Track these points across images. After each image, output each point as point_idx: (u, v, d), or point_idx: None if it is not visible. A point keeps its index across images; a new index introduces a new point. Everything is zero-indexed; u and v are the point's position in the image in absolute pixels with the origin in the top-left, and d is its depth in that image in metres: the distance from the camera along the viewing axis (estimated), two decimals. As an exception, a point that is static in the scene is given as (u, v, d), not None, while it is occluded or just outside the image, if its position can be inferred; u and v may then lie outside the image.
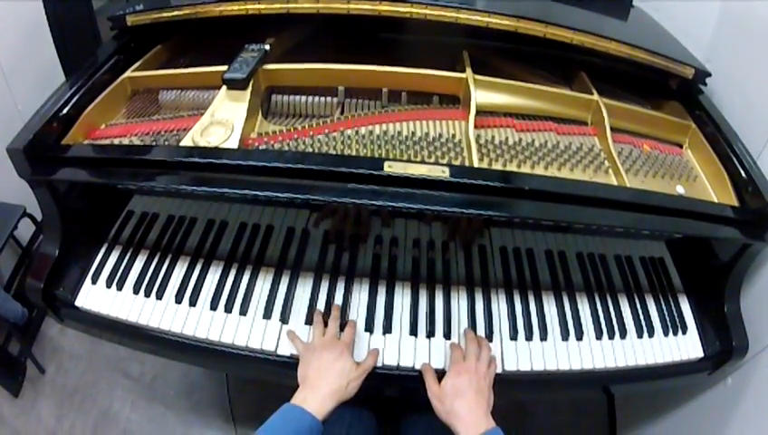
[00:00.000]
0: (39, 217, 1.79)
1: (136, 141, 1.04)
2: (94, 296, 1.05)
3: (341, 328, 0.97)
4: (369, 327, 0.99)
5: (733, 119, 1.19)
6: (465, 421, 0.82)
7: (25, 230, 1.86)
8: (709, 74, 1.25)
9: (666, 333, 1.08)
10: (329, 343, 0.92)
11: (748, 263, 1.07)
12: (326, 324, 0.97)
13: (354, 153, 0.98)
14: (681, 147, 1.23)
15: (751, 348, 1.07)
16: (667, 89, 1.32)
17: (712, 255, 1.11)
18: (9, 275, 1.88)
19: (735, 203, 1.06)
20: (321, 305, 1.02)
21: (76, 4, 1.82)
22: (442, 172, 0.84)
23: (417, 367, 0.96)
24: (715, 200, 1.10)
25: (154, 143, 1.03)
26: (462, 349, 0.95)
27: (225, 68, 1.04)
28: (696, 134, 1.21)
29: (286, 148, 0.98)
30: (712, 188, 1.14)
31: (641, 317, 1.09)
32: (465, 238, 1.12)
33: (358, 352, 0.96)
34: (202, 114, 1.01)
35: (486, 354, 0.93)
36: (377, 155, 0.97)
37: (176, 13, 1.17)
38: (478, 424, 0.82)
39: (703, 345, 1.09)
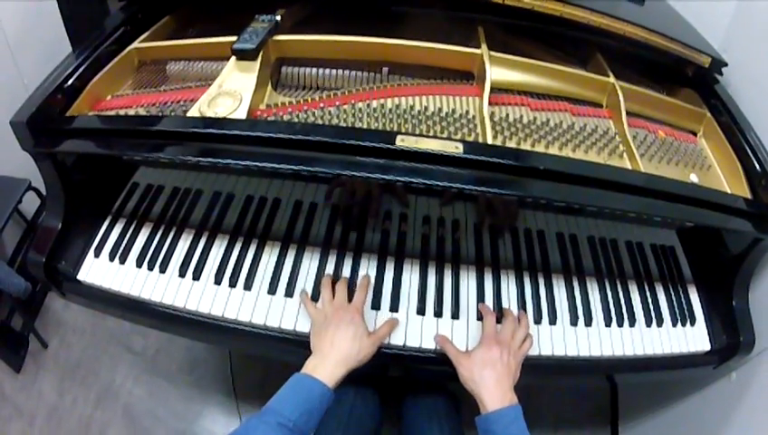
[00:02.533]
0: (44, 190, 1.79)
1: (142, 112, 1.03)
2: (97, 270, 1.04)
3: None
4: (376, 304, 0.98)
5: (748, 111, 1.18)
6: (491, 392, 0.83)
7: (30, 204, 1.85)
8: (725, 64, 1.23)
9: (674, 324, 1.07)
10: (339, 307, 0.91)
11: (758, 257, 1.05)
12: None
13: (365, 126, 0.96)
14: (695, 135, 1.22)
15: (757, 344, 1.06)
16: (683, 76, 1.30)
17: (722, 247, 1.10)
18: (13, 250, 1.88)
19: (749, 195, 1.05)
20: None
21: (84, -25, 1.80)
22: (455, 148, 0.82)
23: (424, 347, 0.95)
24: (729, 191, 1.09)
25: (160, 114, 1.01)
26: (495, 320, 0.95)
27: (234, 39, 1.02)
28: (710, 123, 1.19)
29: (296, 120, 0.96)
30: (725, 178, 1.13)
31: (651, 306, 1.08)
32: (488, 219, 1.11)
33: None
34: (210, 85, 0.99)
35: (522, 333, 0.93)
36: (388, 129, 0.96)
37: (185, -18, 1.15)
38: (503, 397, 0.83)
39: (710, 338, 1.08)
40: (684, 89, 1.29)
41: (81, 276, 1.03)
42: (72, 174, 1.02)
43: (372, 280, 1.01)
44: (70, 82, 1.02)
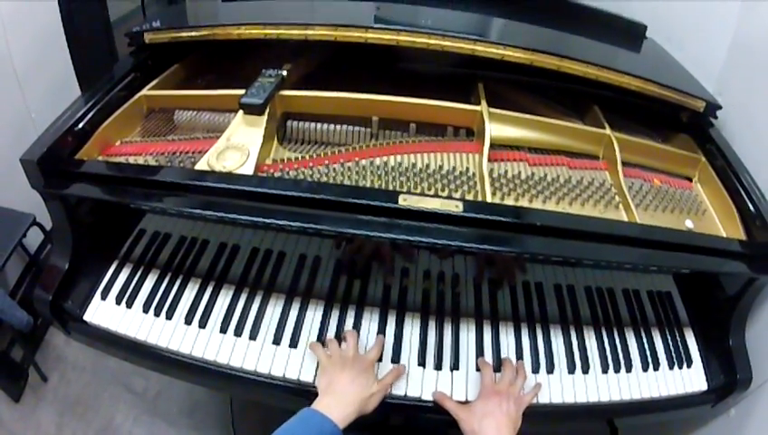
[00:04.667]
0: (48, 225, 1.81)
1: (151, 161, 1.05)
2: (103, 312, 1.05)
3: None
4: (378, 356, 0.99)
5: (742, 151, 1.20)
6: None
7: (33, 238, 1.87)
8: (720, 107, 1.25)
9: (671, 367, 1.09)
10: (355, 357, 0.92)
11: (754, 296, 1.07)
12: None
13: (369, 184, 0.99)
14: (691, 180, 1.24)
15: (754, 379, 1.07)
16: (678, 121, 1.32)
17: (719, 288, 1.12)
18: (15, 282, 1.89)
19: (743, 236, 1.07)
20: (331, 333, 1.02)
21: (92, 14, 1.84)
22: (455, 207, 0.85)
23: (425, 398, 0.96)
24: (723, 234, 1.11)
25: (169, 164, 1.03)
26: (492, 372, 0.96)
27: (241, 92, 1.05)
28: (705, 168, 1.21)
29: (301, 176, 0.99)
30: (720, 221, 1.15)
31: (647, 351, 1.09)
32: (487, 273, 1.13)
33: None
34: (217, 137, 1.02)
35: (521, 381, 0.95)
36: (391, 187, 0.98)
37: (194, 33, 1.18)
38: None
39: (707, 378, 1.09)
40: (679, 134, 1.32)
41: (87, 317, 1.05)
42: (79, 214, 1.04)
43: (374, 332, 1.02)
44: (81, 125, 1.04)
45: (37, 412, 1.76)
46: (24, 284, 1.90)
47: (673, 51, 1.48)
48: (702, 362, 1.11)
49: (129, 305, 1.05)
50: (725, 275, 1.10)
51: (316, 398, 0.88)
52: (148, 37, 1.22)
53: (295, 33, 1.10)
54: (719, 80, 1.32)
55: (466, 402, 0.95)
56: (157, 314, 1.04)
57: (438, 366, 0.99)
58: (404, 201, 0.84)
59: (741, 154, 1.20)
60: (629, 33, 1.47)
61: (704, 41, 1.41)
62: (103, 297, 1.07)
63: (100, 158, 1.07)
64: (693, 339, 1.14)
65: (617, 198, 1.06)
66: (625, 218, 1.03)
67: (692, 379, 1.08)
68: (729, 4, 1.29)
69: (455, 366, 1.00)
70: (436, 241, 0.84)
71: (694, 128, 1.30)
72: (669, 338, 1.13)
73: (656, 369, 1.07)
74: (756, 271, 0.98)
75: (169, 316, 1.04)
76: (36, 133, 1.00)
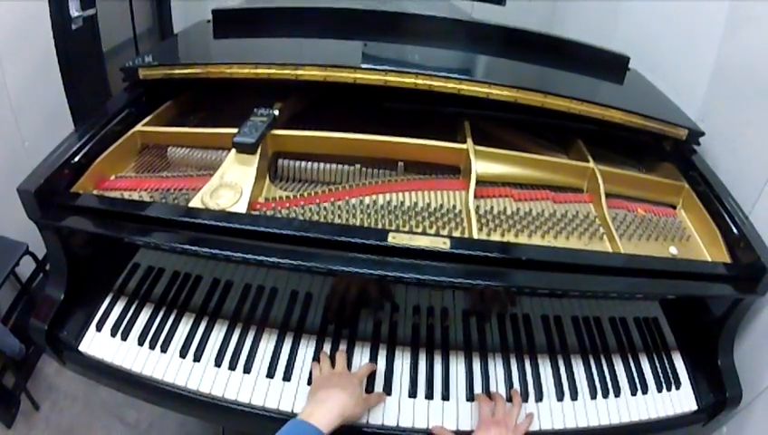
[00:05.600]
0: (40, 254, 1.81)
1: (145, 197, 1.07)
2: (98, 343, 1.06)
3: None
4: (370, 388, 1.01)
5: (725, 175, 1.23)
6: None
7: (26, 266, 1.87)
8: (702, 133, 1.29)
9: (659, 390, 1.10)
10: (342, 373, 0.96)
11: (741, 315, 1.09)
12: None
13: (359, 222, 1.01)
14: (674, 208, 1.27)
15: (745, 396, 1.08)
16: (661, 150, 1.36)
17: (705, 310, 1.13)
18: (7, 310, 1.88)
19: (728, 259, 1.09)
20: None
21: (86, 45, 1.86)
22: (443, 244, 0.88)
23: (417, 427, 0.98)
24: (708, 258, 1.13)
25: (163, 200, 1.05)
26: (490, 404, 0.98)
27: (234, 130, 1.08)
28: (689, 195, 1.24)
29: (293, 214, 1.02)
30: (705, 246, 1.17)
31: (635, 375, 1.11)
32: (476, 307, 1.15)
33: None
34: (210, 174, 1.04)
35: (516, 411, 0.97)
36: (380, 225, 1.01)
37: (187, 71, 1.21)
38: None
39: (696, 398, 1.10)
40: (662, 163, 1.35)
41: (82, 348, 1.05)
42: (74, 245, 1.05)
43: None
44: (77, 158, 1.06)
45: (30, 439, 1.75)
46: (16, 311, 1.90)
47: (656, 80, 1.52)
48: (691, 382, 1.12)
49: (124, 338, 1.06)
50: (712, 298, 1.11)
51: None
52: (142, 73, 1.25)
53: (286, 72, 1.13)
54: (702, 106, 1.36)
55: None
56: (152, 346, 1.05)
57: (429, 396, 1.01)
58: (393, 239, 0.87)
59: (724, 177, 1.23)
60: (613, 65, 1.50)
61: (686, 69, 1.45)
62: (98, 329, 1.08)
63: (95, 192, 1.09)
64: (681, 361, 1.16)
65: (601, 229, 1.09)
66: (609, 249, 1.05)
67: (681, 400, 1.09)
68: (711, 33, 1.33)
69: (445, 397, 1.01)
70: (424, 277, 0.86)
71: (677, 155, 1.33)
72: (657, 362, 1.14)
73: (644, 393, 1.09)
74: (742, 291, 1.01)
75: (164, 349, 1.05)
76: (29, 162, 1.02)
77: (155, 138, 1.20)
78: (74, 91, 1.89)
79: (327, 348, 1.06)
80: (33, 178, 0.97)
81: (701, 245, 1.18)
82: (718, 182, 1.21)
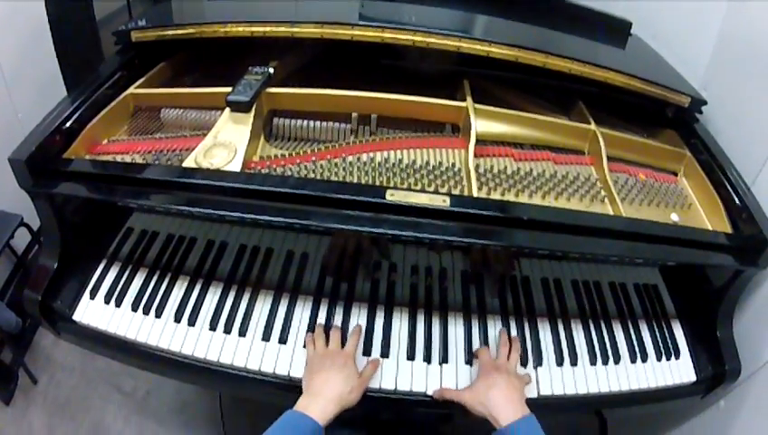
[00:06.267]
0: (35, 226, 1.80)
1: (138, 159, 1.05)
2: (92, 311, 1.05)
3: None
4: (367, 351, 1.00)
5: (727, 145, 1.21)
6: (503, 408, 0.86)
7: (21, 239, 1.86)
8: (705, 102, 1.27)
9: (659, 358, 1.10)
10: (333, 352, 0.94)
11: (741, 288, 1.08)
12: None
13: (356, 180, 0.99)
14: (676, 175, 1.25)
15: (743, 370, 1.08)
16: (663, 117, 1.34)
17: (705, 280, 1.13)
18: (3, 284, 1.87)
19: (729, 230, 1.08)
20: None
21: (79, 13, 1.82)
22: (443, 202, 0.86)
23: (415, 390, 0.97)
24: (709, 228, 1.12)
25: (156, 162, 1.03)
26: (489, 352, 0.98)
27: (228, 89, 1.05)
28: (691, 162, 1.22)
29: (288, 172, 0.99)
30: (706, 215, 1.16)
31: (635, 343, 1.10)
32: (475, 267, 1.14)
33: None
34: (204, 134, 1.02)
35: (516, 356, 0.99)
36: (378, 183, 0.99)
37: (180, 31, 1.18)
38: (515, 411, 0.85)
39: (695, 369, 1.10)
40: (664, 129, 1.33)
41: (76, 317, 1.04)
42: (67, 213, 1.03)
43: (363, 327, 1.03)
44: (68, 124, 1.04)
45: (28, 415, 1.74)
46: (13, 285, 1.88)
47: (659, 48, 1.50)
48: (690, 353, 1.12)
49: (117, 304, 1.05)
50: (712, 268, 1.11)
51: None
52: (134, 36, 1.22)
53: (282, 30, 1.11)
54: (704, 76, 1.33)
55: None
56: (146, 312, 1.04)
57: (428, 359, 1.00)
58: (391, 196, 0.85)
59: (725, 148, 1.21)
60: (615, 30, 1.47)
61: (689, 39, 1.42)
62: (92, 297, 1.06)
63: (87, 156, 1.07)
64: (680, 331, 1.15)
65: (602, 192, 1.07)
66: (611, 212, 1.03)
67: (680, 370, 1.09)
68: (716, 4, 1.30)
69: (444, 359, 1.00)
70: (423, 235, 0.85)
71: (679, 123, 1.31)
72: (657, 330, 1.14)
73: (644, 361, 1.08)
74: (743, 263, 0.99)
75: (158, 314, 1.04)
76: (23, 134, 0.99)
77: (148, 99, 1.18)
78: (68, 60, 1.85)
79: (324, 309, 1.05)
80: (24, 147, 0.95)
81: (702, 213, 1.17)
82: (720, 152, 1.20)
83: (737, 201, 1.09)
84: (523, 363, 1.02)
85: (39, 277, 1.03)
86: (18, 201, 1.12)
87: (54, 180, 0.96)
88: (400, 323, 1.04)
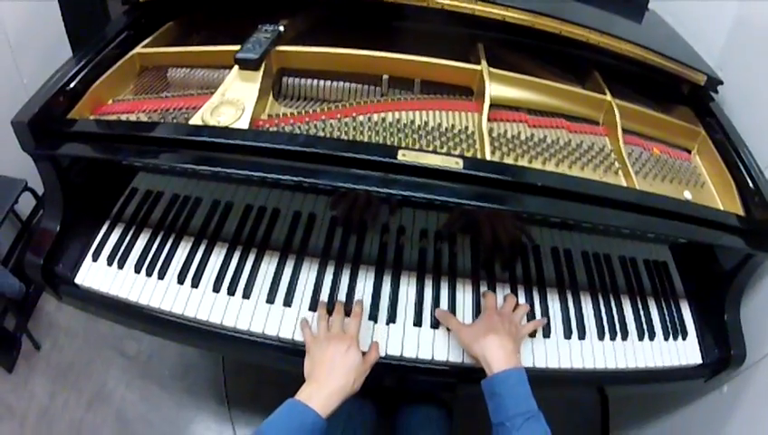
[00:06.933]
0: (40, 191, 1.78)
1: (143, 118, 1.03)
2: (95, 274, 1.04)
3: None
4: (374, 316, 0.99)
5: (742, 129, 1.19)
6: (497, 354, 0.85)
7: (26, 205, 1.85)
8: (721, 82, 1.25)
9: (666, 338, 1.09)
10: (335, 336, 0.90)
11: (750, 273, 1.07)
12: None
13: (366, 140, 0.97)
14: (689, 152, 1.23)
15: (748, 358, 1.08)
16: (679, 93, 1.31)
17: (715, 262, 1.12)
18: (7, 250, 1.87)
19: (741, 212, 1.06)
20: (326, 291, 1.02)
21: (85, -25, 1.79)
22: (455, 163, 0.84)
23: (421, 357, 0.96)
24: (722, 208, 1.10)
25: (162, 120, 1.01)
26: (496, 298, 0.99)
27: (237, 48, 1.03)
28: (705, 141, 1.21)
29: (297, 131, 0.97)
30: (718, 195, 1.14)
31: (643, 320, 1.09)
32: (485, 234, 1.12)
33: (361, 341, 0.94)
34: (212, 93, 0.99)
35: (522, 311, 0.99)
36: (389, 143, 0.97)
37: (189, -11, 1.16)
38: (507, 359, 0.85)
39: (702, 352, 1.09)
40: (679, 106, 1.31)
41: (78, 280, 1.03)
42: (71, 176, 1.02)
43: (370, 292, 1.01)
44: (72, 84, 1.02)
45: (30, 383, 1.75)
46: (17, 251, 1.88)
47: (675, 25, 1.47)
48: (697, 334, 1.11)
49: (120, 266, 1.04)
50: (722, 249, 1.09)
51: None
52: (141, -6, 1.19)
53: (293, -13, 1.08)
54: (720, 56, 1.31)
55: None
56: (149, 273, 1.03)
57: (435, 326, 0.99)
58: (403, 156, 0.83)
59: (740, 131, 1.19)
60: (632, 3, 1.44)
61: (706, 17, 1.39)
62: (95, 259, 1.05)
63: (91, 117, 1.05)
64: (688, 311, 1.14)
65: (616, 163, 1.05)
66: (624, 184, 1.02)
67: (686, 351, 1.08)
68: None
69: (451, 326, 0.99)
70: (435, 197, 0.83)
71: (694, 101, 1.29)
72: (665, 309, 1.13)
73: (651, 339, 1.07)
74: (753, 247, 0.98)
75: (161, 276, 1.02)
76: (28, 99, 0.97)
77: (155, 59, 1.16)
78: (74, 25, 1.83)
79: (330, 272, 1.03)
80: (27, 109, 0.93)
81: (714, 193, 1.15)
82: (735, 133, 1.18)
83: (750, 184, 1.08)
84: (532, 334, 1.01)
85: (41, 241, 1.02)
86: (22, 166, 1.11)
87: (57, 141, 0.94)
88: (408, 289, 1.03)
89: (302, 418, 0.79)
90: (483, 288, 1.05)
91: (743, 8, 1.25)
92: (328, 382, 0.84)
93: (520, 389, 0.82)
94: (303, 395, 0.82)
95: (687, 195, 1.10)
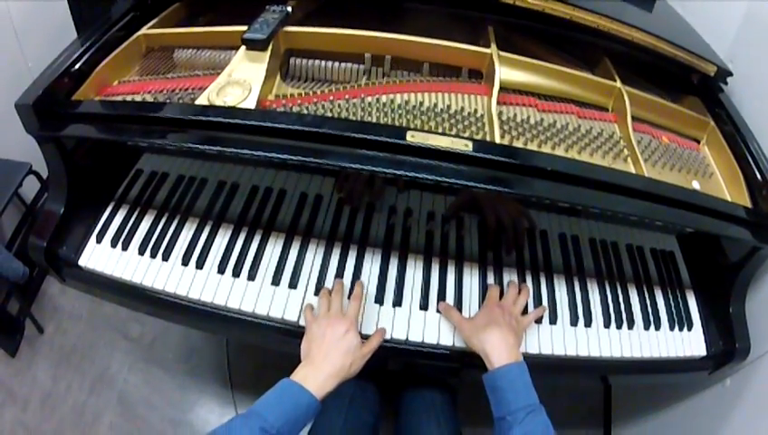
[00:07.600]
0: (44, 174, 1.78)
1: (149, 98, 1.02)
2: (98, 256, 1.03)
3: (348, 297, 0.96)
4: (380, 299, 0.98)
5: (751, 121, 1.19)
6: (498, 348, 0.85)
7: (30, 188, 1.85)
8: (731, 74, 1.24)
9: (672, 328, 1.08)
10: (334, 318, 0.89)
11: (757, 266, 1.07)
12: None
13: (374, 121, 0.96)
14: (698, 142, 1.22)
15: (752, 352, 1.08)
16: (688, 83, 1.31)
17: (721, 254, 1.11)
18: (11, 234, 1.86)
19: (749, 204, 1.06)
20: (331, 274, 1.01)
21: (91, -43, 1.78)
22: (465, 146, 0.83)
23: (426, 341, 0.95)
24: (729, 199, 1.09)
25: (168, 101, 1.01)
26: (499, 289, 0.98)
27: (244, 28, 1.02)
28: (714, 132, 1.20)
29: (305, 111, 0.97)
30: (726, 186, 1.14)
31: (649, 309, 1.09)
32: (493, 218, 1.11)
33: (367, 324, 0.95)
34: (218, 74, 0.99)
35: (523, 301, 0.98)
36: (397, 124, 0.96)
37: (195, -30, 1.14)
38: (509, 353, 0.85)
39: (706, 344, 1.09)
40: (688, 96, 1.30)
41: (82, 262, 1.03)
42: (75, 158, 1.01)
43: (376, 274, 1.01)
44: (77, 66, 1.01)
45: (33, 367, 1.75)
46: (20, 235, 1.88)
47: (685, 16, 1.46)
48: (702, 326, 1.11)
49: (124, 248, 1.04)
50: (729, 241, 1.09)
51: None
52: (148, -25, 1.19)
53: (301, -32, 1.07)
54: (730, 49, 1.30)
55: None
56: (153, 255, 1.02)
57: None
58: (412, 138, 0.82)
59: (749, 123, 1.18)
60: (642, -8, 1.43)
61: (717, 9, 1.38)
62: (98, 241, 1.05)
63: (96, 98, 1.04)
64: (694, 303, 1.14)
65: (625, 150, 1.04)
66: (633, 171, 1.01)
67: (691, 343, 1.08)
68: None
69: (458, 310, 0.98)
70: (443, 179, 0.82)
71: (704, 91, 1.28)
72: (671, 299, 1.13)
73: (657, 328, 1.07)
74: (760, 239, 0.98)
75: (166, 258, 1.02)
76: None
77: (161, 40, 1.15)
78: (79, 7, 1.82)
79: (336, 254, 1.02)
80: (32, 91, 0.93)
81: (722, 184, 1.15)
82: (744, 125, 1.17)
83: (759, 176, 1.07)
84: (538, 320, 1.00)
85: (44, 224, 1.02)
86: (27, 149, 1.11)
87: (62, 123, 0.93)
88: (414, 272, 1.02)
89: (297, 399, 0.78)
90: (489, 272, 1.04)
91: (753, 5, 1.24)
92: (324, 365, 0.83)
93: (521, 383, 0.82)
94: (299, 376, 0.81)
95: (695, 184, 1.09)
